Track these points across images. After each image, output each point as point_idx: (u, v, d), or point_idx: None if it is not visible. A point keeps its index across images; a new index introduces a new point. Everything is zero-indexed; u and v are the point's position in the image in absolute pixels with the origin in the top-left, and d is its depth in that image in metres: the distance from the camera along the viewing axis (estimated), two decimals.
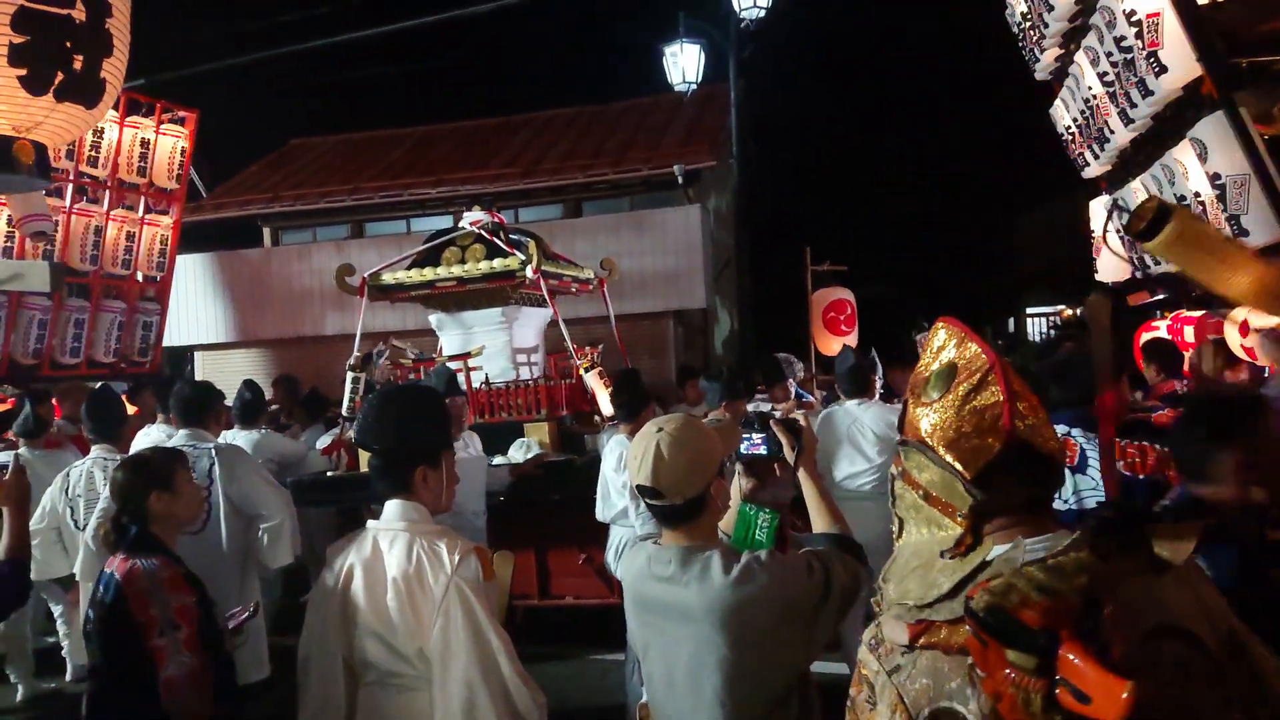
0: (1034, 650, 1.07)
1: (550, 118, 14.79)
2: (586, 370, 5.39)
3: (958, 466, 1.25)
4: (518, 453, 5.05)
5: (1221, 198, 3.46)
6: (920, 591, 1.26)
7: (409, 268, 5.56)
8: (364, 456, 5.35)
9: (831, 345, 10.30)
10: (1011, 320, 20.19)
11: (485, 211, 5.71)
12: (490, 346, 5.47)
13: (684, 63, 10.98)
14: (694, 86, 11.04)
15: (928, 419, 1.31)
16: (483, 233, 5.52)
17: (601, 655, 5.08)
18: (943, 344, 1.38)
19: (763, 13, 10.02)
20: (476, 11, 11.29)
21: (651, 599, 1.96)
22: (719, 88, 12.37)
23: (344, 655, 2.16)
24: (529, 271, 5.18)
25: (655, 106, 14.24)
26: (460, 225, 5.71)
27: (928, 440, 1.29)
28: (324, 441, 5.65)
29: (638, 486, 1.94)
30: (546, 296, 5.44)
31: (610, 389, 5.42)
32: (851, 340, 10.12)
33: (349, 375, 5.42)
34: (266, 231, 13.71)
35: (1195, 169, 3.58)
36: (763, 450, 2.11)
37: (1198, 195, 3.63)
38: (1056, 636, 1.07)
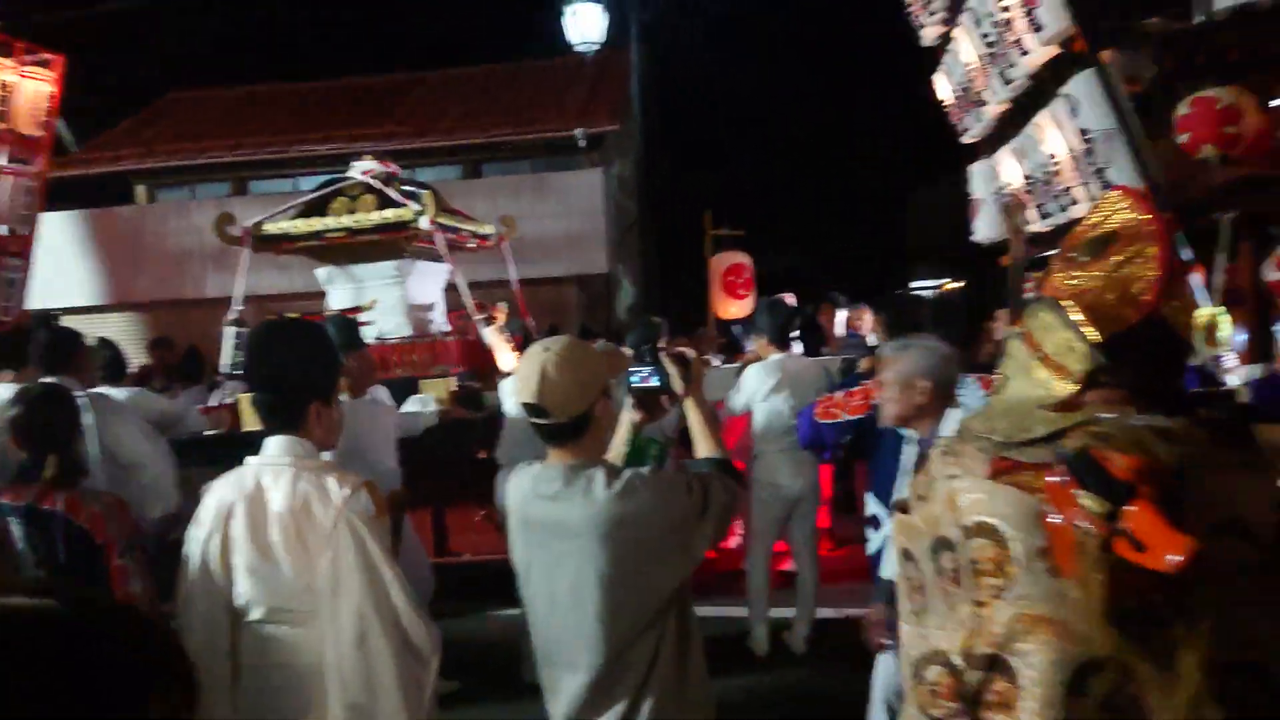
0: (1109, 498, 1.11)
1: (448, 76, 14.40)
2: (486, 325, 5.31)
3: (1090, 327, 1.25)
4: (413, 408, 4.94)
5: (1090, 151, 3.67)
6: (1009, 431, 1.27)
7: (294, 218, 5.33)
8: (246, 416, 5.14)
9: (730, 308, 10.45)
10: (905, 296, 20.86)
11: (378, 161, 5.51)
12: (383, 301, 5.30)
13: (584, 22, 10.88)
14: (595, 47, 10.96)
15: (1072, 280, 1.31)
16: (374, 182, 5.33)
17: (499, 611, 5.06)
18: (1110, 211, 1.37)
19: None
20: None
21: (535, 518, 1.98)
22: (622, 51, 12.31)
23: (225, 594, 2.09)
24: (424, 223, 5.03)
25: (557, 68, 14.04)
26: (350, 175, 5.49)
27: (1065, 300, 1.29)
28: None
29: (524, 404, 1.95)
30: (443, 250, 5.31)
31: (513, 345, 5.36)
32: (749, 304, 10.28)
33: (230, 330, 5.17)
34: (141, 189, 12.94)
35: (1068, 124, 3.78)
36: (653, 382, 2.15)
37: (1070, 150, 3.83)
38: (1135, 491, 1.10)
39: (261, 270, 9.27)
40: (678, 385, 2.13)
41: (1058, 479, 1.17)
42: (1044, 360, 1.31)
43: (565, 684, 1.95)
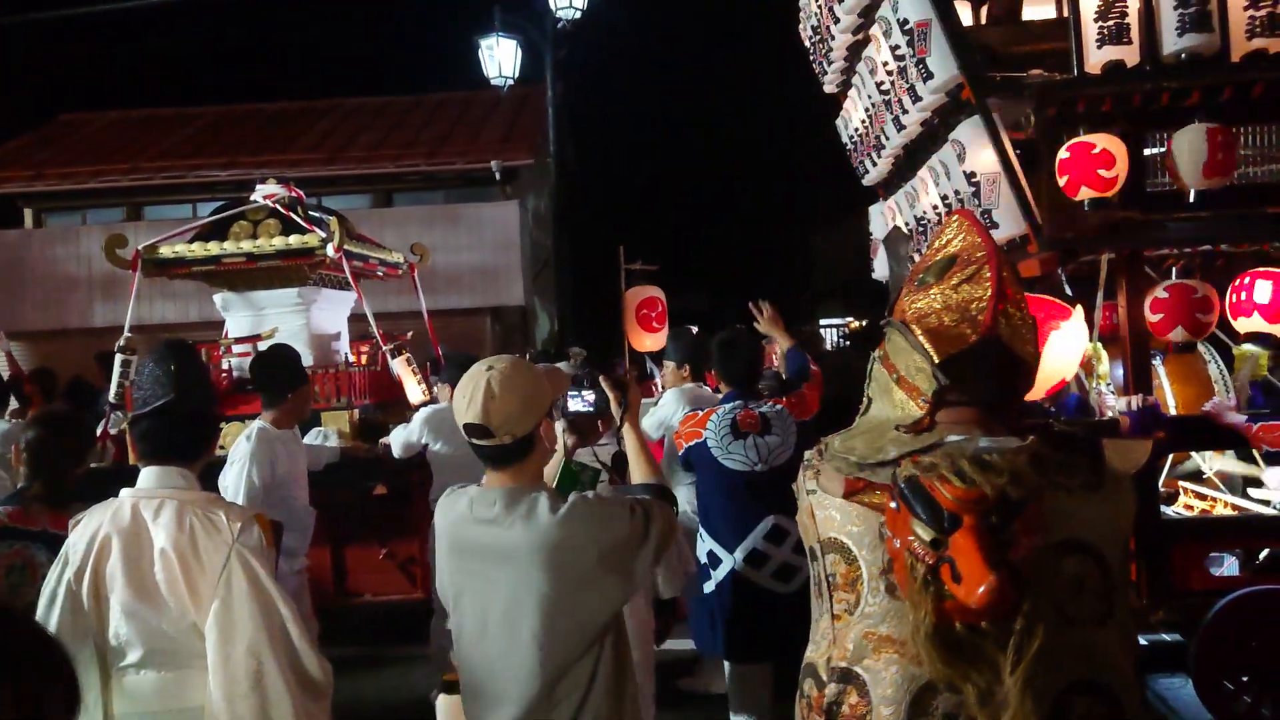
0: (935, 526, 1.14)
1: (360, 105, 14.20)
2: (394, 355, 5.19)
3: (929, 348, 1.27)
4: (313, 441, 4.78)
5: (976, 194, 3.86)
6: (865, 451, 1.29)
7: (191, 241, 5.12)
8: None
9: (644, 341, 10.53)
10: (809, 330, 21.52)
11: (282, 185, 5.36)
12: (284, 329, 5.12)
13: (500, 57, 10.90)
14: (511, 81, 10.99)
15: (917, 303, 1.34)
16: (278, 207, 5.18)
17: (403, 651, 4.90)
18: (951, 236, 1.41)
19: (578, 14, 10.12)
20: None
21: (471, 542, 1.91)
22: (539, 86, 12.37)
23: (97, 636, 1.97)
24: (330, 250, 4.91)
25: (473, 101, 14.03)
26: (252, 199, 5.32)
27: (910, 322, 1.31)
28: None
29: (465, 425, 1.88)
30: (350, 278, 5.19)
31: (418, 376, 5.25)
32: (663, 337, 10.39)
33: (118, 358, 4.90)
34: (28, 213, 12.27)
35: (955, 168, 3.96)
36: (591, 407, 2.14)
37: (957, 193, 4.02)
38: (959, 521, 1.12)
39: (153, 299, 8.88)
40: (616, 410, 2.12)
41: (894, 505, 1.20)
42: (899, 382, 1.34)
43: (495, 718, 1.88)
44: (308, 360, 5.24)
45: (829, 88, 5.82)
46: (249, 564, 1.95)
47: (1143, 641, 4.31)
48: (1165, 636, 4.17)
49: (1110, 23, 3.67)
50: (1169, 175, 3.80)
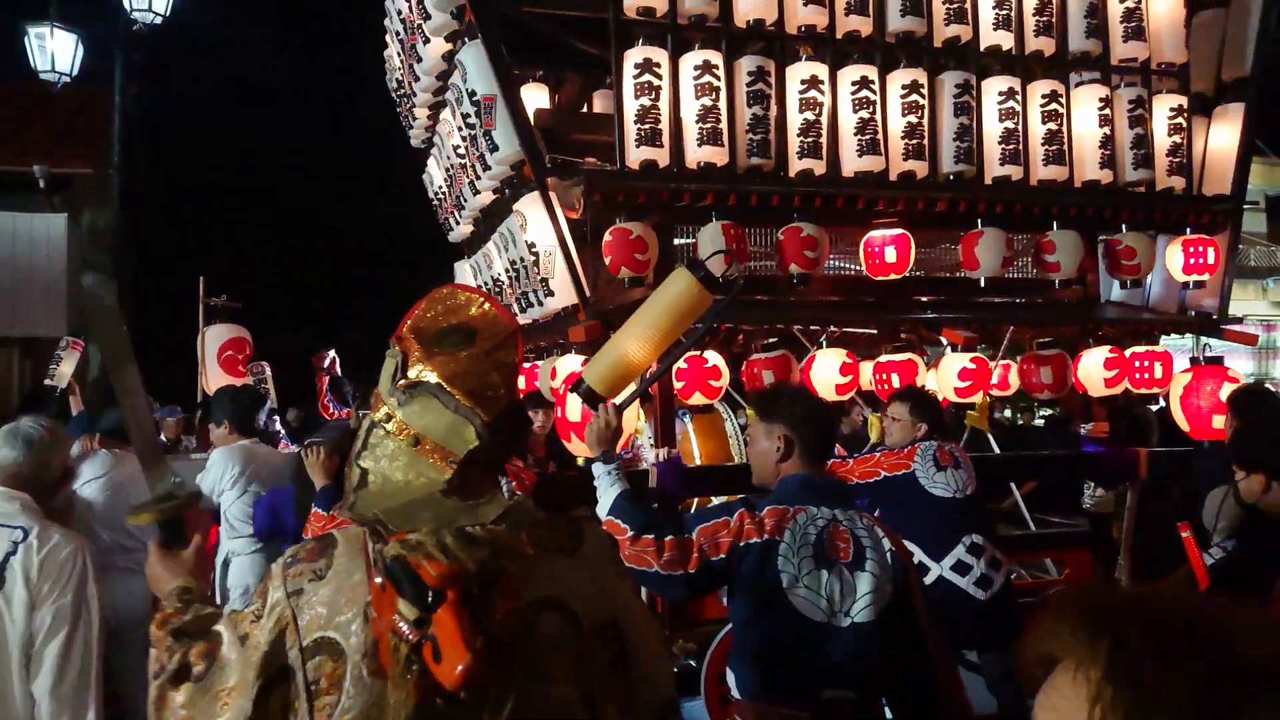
0: (419, 605, 1.14)
1: None
2: None
3: (478, 410, 1.29)
4: None
5: (537, 263, 4.17)
6: (400, 523, 1.24)
7: None
8: None
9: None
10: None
11: None
12: None
13: (55, 49, 9.42)
14: (67, 79, 9.51)
15: (446, 367, 1.32)
16: None
17: None
18: (457, 304, 1.44)
19: (159, 19, 9.13)
20: None
21: None
22: (109, 89, 10.80)
23: None
24: None
25: (19, 94, 11.85)
26: None
27: (446, 385, 1.30)
28: None
29: None
30: None
31: None
32: (249, 381, 9.56)
33: None
34: None
35: (519, 237, 4.26)
36: None
37: (521, 260, 4.31)
38: (443, 597, 1.13)
39: None
40: None
41: (379, 583, 1.20)
42: (419, 443, 1.31)
43: None
44: None
45: (415, 142, 5.91)
46: None
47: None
48: (690, 662, 4.75)
49: (646, 127, 4.21)
50: None
